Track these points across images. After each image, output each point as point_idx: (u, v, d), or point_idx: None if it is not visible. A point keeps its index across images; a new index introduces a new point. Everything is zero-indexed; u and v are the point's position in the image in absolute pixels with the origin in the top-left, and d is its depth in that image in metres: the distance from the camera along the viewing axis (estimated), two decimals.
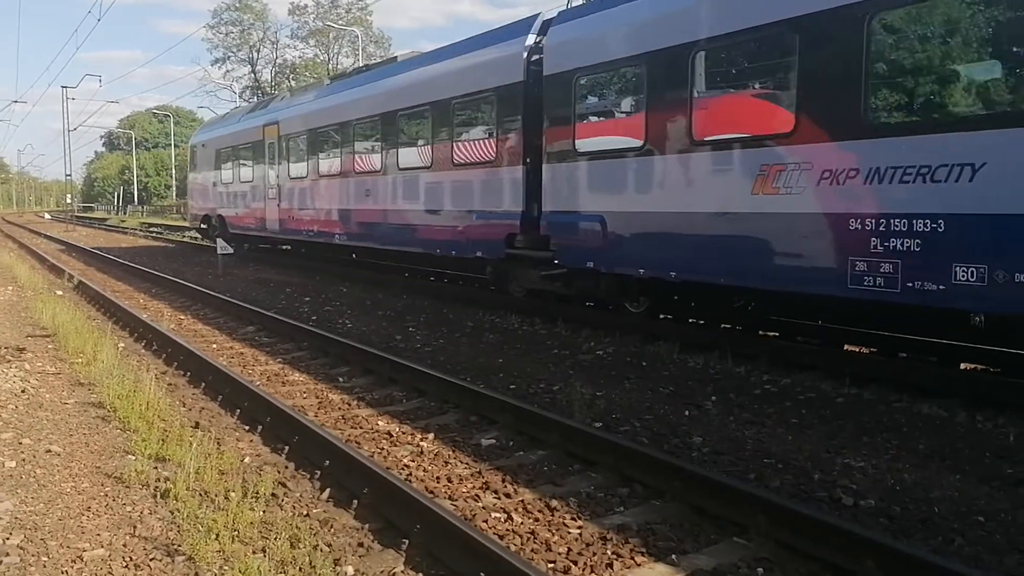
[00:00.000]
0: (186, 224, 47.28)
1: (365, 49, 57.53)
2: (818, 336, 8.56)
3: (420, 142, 12.90)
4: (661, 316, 10.03)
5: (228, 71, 69.51)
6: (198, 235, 27.19)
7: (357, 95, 14.99)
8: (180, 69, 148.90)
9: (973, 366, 7.23)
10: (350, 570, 3.56)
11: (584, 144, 9.48)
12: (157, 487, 4.39)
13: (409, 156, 13.13)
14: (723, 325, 9.47)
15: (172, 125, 78.70)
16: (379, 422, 6.04)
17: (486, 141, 11.30)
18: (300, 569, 3.45)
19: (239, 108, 27.43)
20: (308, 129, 16.90)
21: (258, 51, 68.53)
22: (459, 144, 11.86)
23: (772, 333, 8.92)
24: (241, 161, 21.01)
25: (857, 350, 8.07)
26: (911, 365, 7.25)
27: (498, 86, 10.80)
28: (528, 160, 10.37)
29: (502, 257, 10.93)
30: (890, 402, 6.46)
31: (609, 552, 3.80)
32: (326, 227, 16.19)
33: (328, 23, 58.00)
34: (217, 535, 3.68)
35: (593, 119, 9.90)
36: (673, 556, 3.75)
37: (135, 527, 3.94)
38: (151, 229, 41.30)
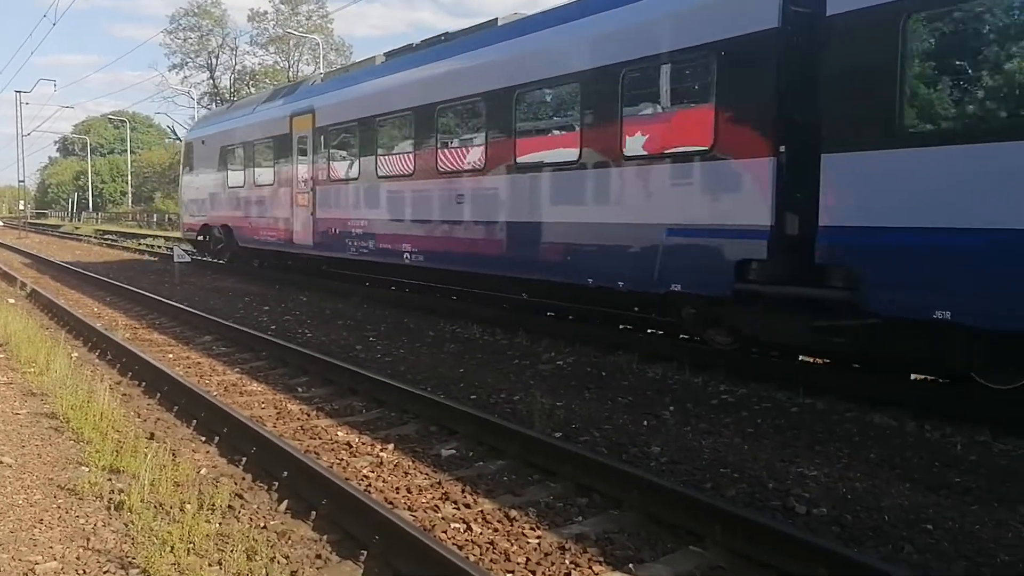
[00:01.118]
0: (143, 231, 46.64)
1: (326, 57, 57.25)
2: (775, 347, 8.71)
3: (557, 129, 9.88)
4: None
5: (186, 77, 68.57)
6: (191, 249, 22.52)
7: (445, 69, 11.47)
8: (136, 74, 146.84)
9: (923, 377, 7.42)
10: None
11: (932, 118, 6.05)
12: (111, 499, 4.32)
13: (537, 149, 9.89)
14: (681, 336, 9.59)
15: (128, 131, 77.37)
16: (338, 432, 6.00)
17: (694, 121, 7.78)
18: None
19: (250, 97, 22.55)
20: (362, 118, 13.29)
21: (217, 57, 67.78)
22: (634, 126, 8.41)
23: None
24: (257, 160, 17.41)
25: (812, 361, 8.23)
26: (863, 376, 7.42)
27: (726, 39, 7.32)
28: (783, 148, 7.03)
29: (727, 295, 7.41)
30: (842, 412, 6.61)
31: (567, 562, 3.83)
32: (390, 243, 12.50)
33: (288, 30, 57.59)
34: (172, 547, 3.63)
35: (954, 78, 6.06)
36: (630, 565, 3.79)
37: (88, 540, 3.86)
38: (106, 236, 40.42)
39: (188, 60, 67.72)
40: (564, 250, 9.25)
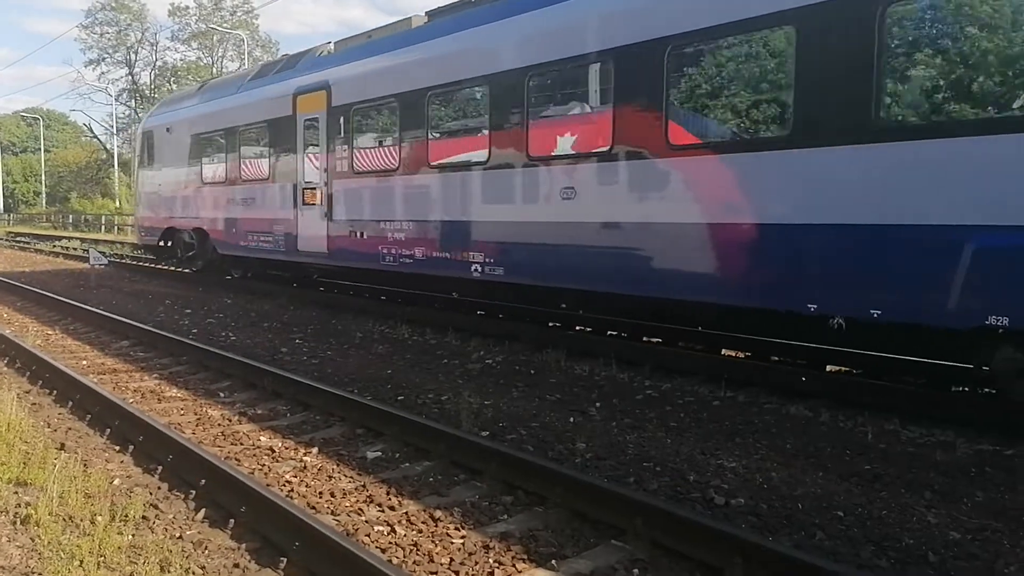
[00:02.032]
0: (59, 233, 44.72)
1: (251, 53, 56.00)
2: (700, 341, 8.92)
3: (740, 95, 7.58)
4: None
5: (103, 73, 66.13)
6: (151, 255, 19.66)
7: (536, 27, 8.79)
8: (51, 70, 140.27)
9: (838, 369, 7.70)
10: None
11: None
12: (17, 513, 4.13)
13: (698, 126, 7.86)
14: (609, 332, 9.72)
15: (42, 128, 74.12)
16: (261, 437, 5.87)
17: None
18: None
19: (229, 75, 18.19)
20: (405, 92, 10.44)
21: (136, 53, 65.54)
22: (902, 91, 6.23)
23: (655, 340, 9.23)
24: (244, 149, 14.47)
25: (734, 355, 8.45)
26: (781, 369, 7.66)
27: None
28: None
29: None
30: (762, 404, 6.80)
31: (491, 560, 3.84)
32: (449, 252, 9.87)
33: (212, 26, 56.12)
34: (81, 562, 3.50)
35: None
36: (553, 561, 3.82)
37: None
38: (18, 238, 38.67)
39: (106, 56, 65.34)
40: (799, 265, 6.52)
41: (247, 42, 52.59)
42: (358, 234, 11.48)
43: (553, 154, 8.79)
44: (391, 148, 10.97)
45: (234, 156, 14.73)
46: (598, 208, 8.12)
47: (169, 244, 17.73)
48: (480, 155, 9.48)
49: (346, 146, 11.71)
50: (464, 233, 9.63)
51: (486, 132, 9.37)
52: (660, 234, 7.60)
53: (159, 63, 66.01)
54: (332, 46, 13.39)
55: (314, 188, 12.42)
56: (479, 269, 9.40)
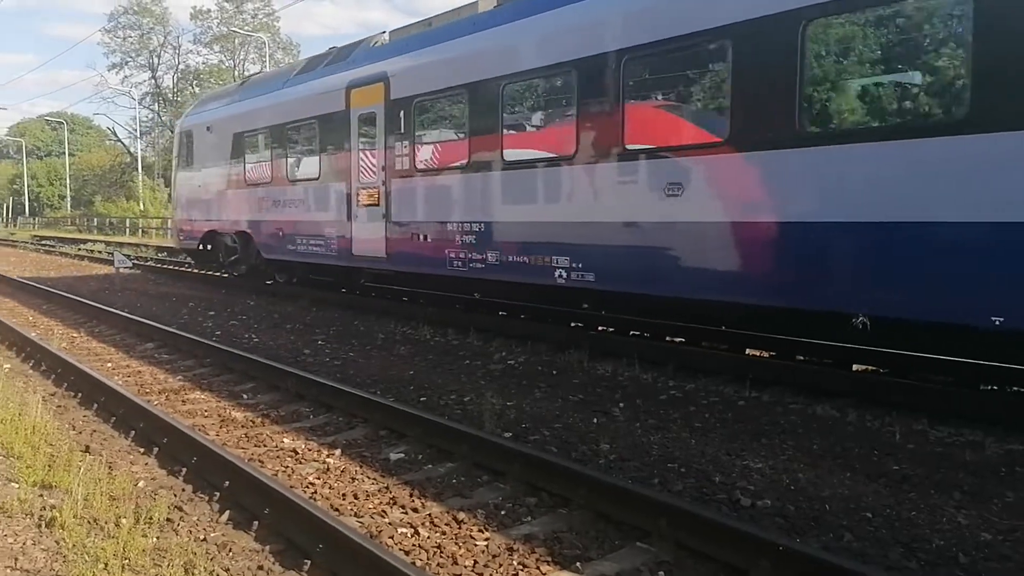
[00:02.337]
0: (83, 236, 45.20)
1: (272, 56, 56.39)
2: (724, 341, 8.84)
3: None
4: None
5: (126, 77, 66.86)
6: (191, 261, 19.11)
7: (636, 3, 7.92)
8: (74, 74, 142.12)
9: (864, 368, 7.59)
10: None
11: None
12: (42, 516, 4.16)
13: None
14: (631, 332, 9.67)
15: (66, 132, 75.11)
16: (284, 439, 5.89)
17: None
18: None
19: (273, 70, 16.72)
20: (477, 82, 9.50)
21: (159, 56, 66.21)
22: None
23: (679, 339, 9.16)
24: (291, 148, 13.66)
25: (758, 354, 8.36)
26: (807, 368, 7.56)
27: None
28: None
29: None
30: (787, 404, 6.73)
31: (515, 562, 3.81)
32: (527, 256, 8.91)
33: (233, 29, 56.53)
34: (106, 564, 3.51)
35: None
36: (578, 563, 3.78)
37: (16, 559, 3.71)
38: (43, 242, 39.24)
39: (128, 59, 66.02)
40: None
41: (268, 45, 52.93)
42: (421, 237, 10.54)
43: (656, 145, 7.77)
44: (459, 143, 10.02)
45: (280, 155, 13.84)
46: (718, 205, 7.07)
47: (209, 248, 16.93)
48: (566, 148, 8.55)
49: (407, 142, 10.74)
50: (546, 235, 8.73)
51: (572, 123, 8.42)
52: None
53: (181, 66, 66.74)
54: (387, 36, 12.40)
55: (371, 188, 11.49)
56: (564, 275, 8.47)
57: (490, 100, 9.41)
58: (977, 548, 3.91)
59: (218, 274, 16.20)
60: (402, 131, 10.84)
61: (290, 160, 13.65)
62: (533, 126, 9.43)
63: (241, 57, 63.45)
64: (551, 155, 8.87)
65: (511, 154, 9.30)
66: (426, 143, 10.72)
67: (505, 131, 9.34)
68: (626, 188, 7.94)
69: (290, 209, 13.61)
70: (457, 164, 10.01)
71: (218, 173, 15.91)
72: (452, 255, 10.01)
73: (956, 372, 6.96)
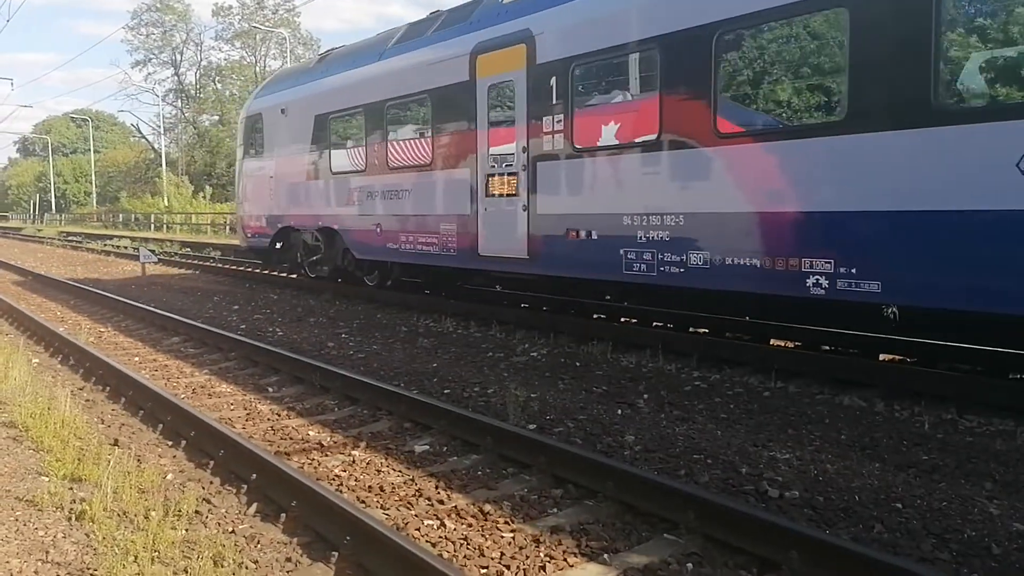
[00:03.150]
0: (109, 232, 45.61)
1: (294, 51, 56.63)
2: (747, 331, 8.76)
3: None
4: None
5: (150, 74, 67.98)
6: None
7: None
8: (98, 72, 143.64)
9: (891, 357, 7.49)
10: None
11: None
12: (72, 509, 4.21)
13: None
14: (655, 324, 9.61)
15: (91, 130, 76.04)
16: (310, 432, 5.92)
17: None
18: None
19: (366, 40, 13.83)
20: (672, 33, 7.51)
21: (181, 53, 66.81)
22: None
23: (702, 330, 9.10)
24: (391, 130, 11.76)
25: (783, 344, 8.28)
26: (833, 358, 7.47)
27: None
28: None
29: None
30: (813, 395, 6.66)
31: (542, 554, 3.80)
32: (763, 257, 6.89)
33: (254, 25, 56.82)
34: (136, 557, 3.54)
35: None
36: (605, 555, 3.77)
37: (48, 552, 3.76)
38: (70, 238, 39.77)
39: (152, 56, 66.69)
40: None
41: (289, 40, 53.14)
42: (580, 233, 8.53)
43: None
44: (645, 112, 8.05)
45: (376, 139, 11.91)
46: None
47: (283, 247, 15.02)
48: (834, 110, 6.88)
49: (561, 115, 8.72)
50: (795, 230, 6.65)
51: (841, 79, 6.44)
52: None
53: (204, 63, 67.26)
54: None
55: (505, 173, 9.54)
56: (824, 284, 6.40)
57: (700, 53, 7.24)
58: (1010, 538, 3.85)
59: (311, 279, 14.54)
60: (554, 102, 8.79)
61: (390, 144, 11.68)
62: (783, 84, 7.30)
63: (262, 53, 63.87)
64: (814, 122, 7.09)
65: (731, 125, 7.32)
66: (592, 115, 8.68)
67: (721, 94, 7.30)
68: (950, 162, 5.67)
69: (390, 202, 11.65)
70: (641, 140, 8.03)
71: (295, 161, 14.00)
72: (634, 257, 7.94)
73: (984, 361, 6.85)
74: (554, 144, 8.90)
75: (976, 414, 5.88)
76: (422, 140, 11.09)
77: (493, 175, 9.79)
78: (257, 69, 62.98)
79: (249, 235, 16.06)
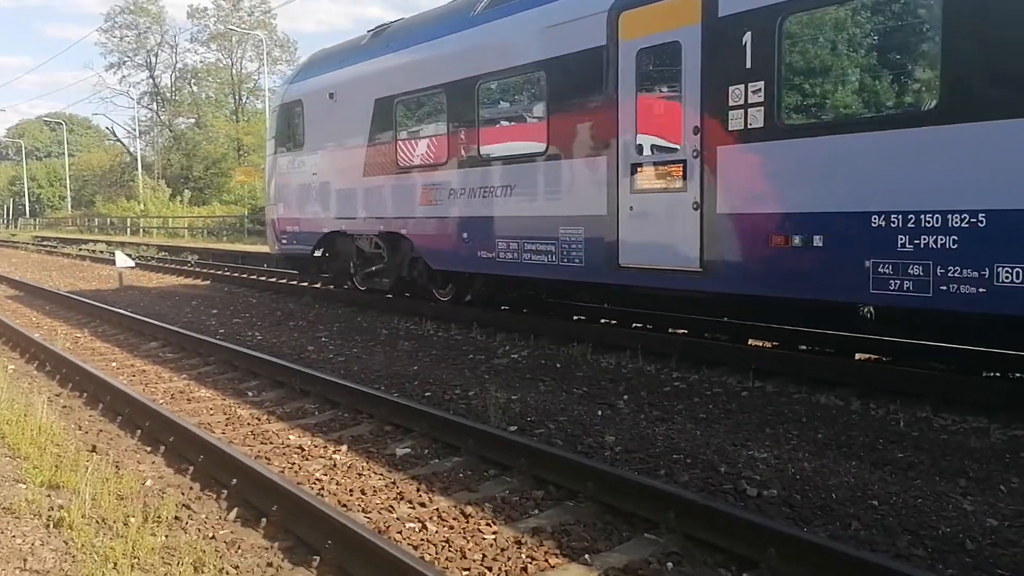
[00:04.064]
0: (85, 236, 45.02)
1: (270, 53, 56.30)
2: (725, 332, 8.84)
3: None
4: None
5: (124, 76, 66.88)
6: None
7: None
8: (72, 75, 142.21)
9: (867, 356, 7.59)
10: None
11: None
12: (50, 516, 4.17)
13: None
14: (634, 325, 9.67)
15: (65, 133, 75.11)
16: (290, 436, 5.90)
17: None
18: None
19: (437, 9, 11.62)
20: None
21: (156, 56, 66.11)
22: None
23: (681, 331, 9.16)
24: (486, 111, 9.67)
25: (761, 344, 8.37)
26: (810, 358, 7.57)
27: None
28: None
29: None
30: (791, 394, 6.73)
31: (524, 556, 3.82)
32: None
33: (230, 27, 56.42)
34: (115, 564, 3.52)
35: None
36: (586, 556, 3.79)
37: (26, 560, 3.72)
38: (45, 242, 39.28)
39: (126, 59, 65.93)
40: None
41: (265, 42, 52.81)
42: (794, 239, 6.55)
43: None
44: (921, 69, 6.19)
45: (465, 124, 9.82)
46: None
47: (328, 255, 13.18)
48: None
49: (760, 84, 6.69)
50: None
51: None
52: None
53: (179, 65, 66.65)
54: None
55: (663, 162, 7.53)
56: None
57: None
58: (984, 534, 3.92)
59: (362, 291, 12.85)
60: (749, 67, 6.76)
61: (484, 131, 9.62)
62: None
63: (239, 55, 63.35)
64: None
65: None
66: (816, 82, 6.77)
67: None
68: None
69: (484, 201, 9.58)
70: (909, 111, 6.14)
71: (348, 155, 11.98)
72: (887, 270, 5.96)
73: (959, 359, 6.97)
74: (748, 122, 6.82)
75: (951, 412, 5.98)
76: (531, 124, 9.05)
77: (643, 165, 7.71)
78: (233, 72, 62.54)
79: (284, 241, 13.84)
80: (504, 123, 9.72)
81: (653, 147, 7.71)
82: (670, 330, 9.22)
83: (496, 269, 9.52)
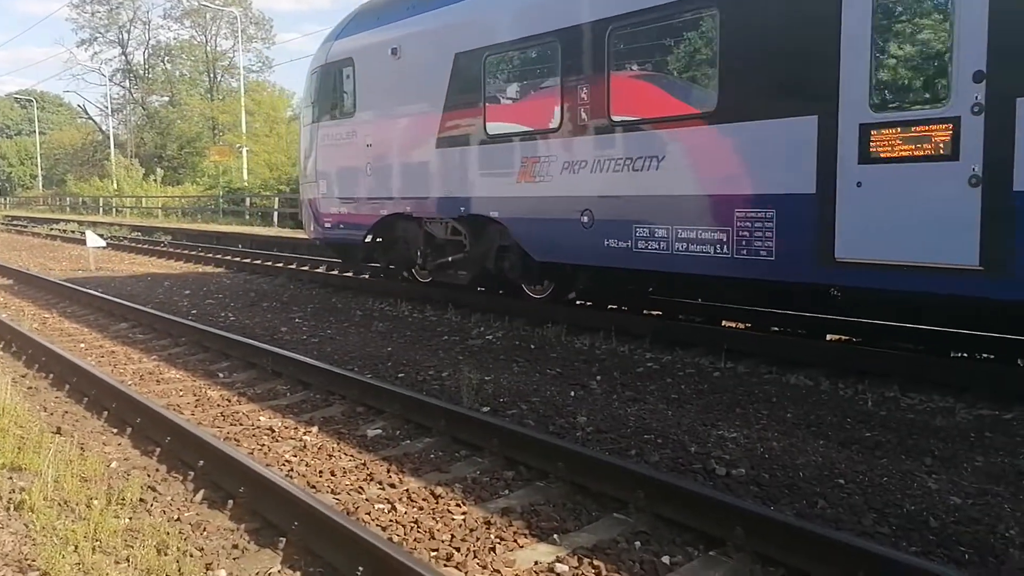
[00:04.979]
0: (56, 216, 44.09)
1: (245, 31, 55.45)
2: (699, 313, 8.87)
3: None
4: None
5: (96, 53, 65.79)
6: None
7: None
8: (42, 51, 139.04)
9: (836, 337, 7.66)
10: (223, 573, 3.43)
11: None
12: (11, 499, 4.10)
13: None
14: (609, 307, 9.68)
15: (36, 111, 73.66)
16: (260, 417, 5.85)
17: None
18: None
19: None
20: None
21: (129, 32, 64.86)
22: None
23: (656, 312, 9.18)
24: (621, 63, 7.64)
25: (734, 326, 8.41)
26: (781, 339, 7.62)
27: None
28: None
29: None
30: (762, 374, 6.78)
31: (493, 536, 3.81)
32: None
33: (204, 3, 55.39)
34: (76, 546, 3.47)
35: None
36: (555, 536, 3.79)
37: None
38: (15, 222, 38.60)
39: (97, 35, 64.66)
40: None
41: (240, 19, 51.98)
42: None
43: None
44: None
45: (588, 80, 7.89)
46: None
47: (383, 242, 11.46)
48: None
49: None
50: None
51: None
52: None
53: (152, 42, 65.45)
54: None
55: (924, 122, 5.60)
56: None
57: None
58: (947, 512, 3.97)
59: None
60: None
61: (615, 86, 7.69)
62: None
63: (213, 32, 62.35)
64: None
65: None
66: None
67: None
68: None
69: (616, 176, 7.73)
70: None
71: (417, 122, 10.11)
72: None
73: (927, 340, 7.04)
74: None
75: (918, 392, 6.05)
76: (691, 76, 7.28)
77: (880, 126, 5.84)
78: (208, 49, 61.56)
79: (327, 225, 11.90)
80: (646, 76, 7.59)
81: (898, 101, 5.89)
82: (644, 312, 9.24)
83: (633, 263, 7.68)
